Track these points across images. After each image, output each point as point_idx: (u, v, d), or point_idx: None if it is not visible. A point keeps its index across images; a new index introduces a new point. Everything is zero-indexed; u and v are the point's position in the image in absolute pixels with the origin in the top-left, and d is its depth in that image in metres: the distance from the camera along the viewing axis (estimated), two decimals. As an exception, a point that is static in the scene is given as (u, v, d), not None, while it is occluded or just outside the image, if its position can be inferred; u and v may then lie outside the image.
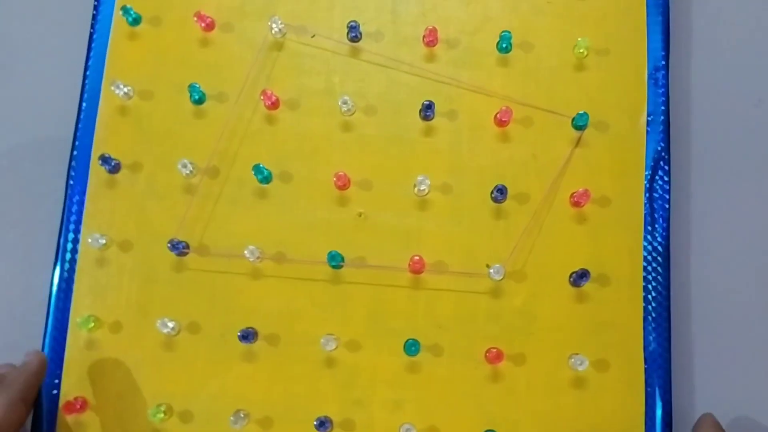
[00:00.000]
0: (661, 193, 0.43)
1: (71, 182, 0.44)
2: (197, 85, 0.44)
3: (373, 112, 0.44)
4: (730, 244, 0.44)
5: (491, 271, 0.41)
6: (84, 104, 0.45)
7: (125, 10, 0.45)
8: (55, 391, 0.42)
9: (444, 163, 0.43)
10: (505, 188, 0.42)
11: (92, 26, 0.46)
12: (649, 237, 0.42)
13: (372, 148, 0.44)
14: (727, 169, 0.45)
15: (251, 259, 0.42)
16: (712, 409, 0.40)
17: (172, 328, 0.42)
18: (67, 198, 0.44)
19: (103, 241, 0.43)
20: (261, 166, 0.43)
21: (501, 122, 0.43)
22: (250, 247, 0.42)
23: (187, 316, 0.42)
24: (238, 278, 0.43)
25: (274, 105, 0.44)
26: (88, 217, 0.44)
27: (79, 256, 0.43)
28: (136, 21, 0.45)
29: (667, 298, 0.41)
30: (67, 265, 0.43)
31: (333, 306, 0.42)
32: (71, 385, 0.42)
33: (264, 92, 0.43)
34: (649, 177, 0.43)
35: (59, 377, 0.42)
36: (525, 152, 0.44)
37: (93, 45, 0.46)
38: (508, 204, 0.43)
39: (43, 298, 0.43)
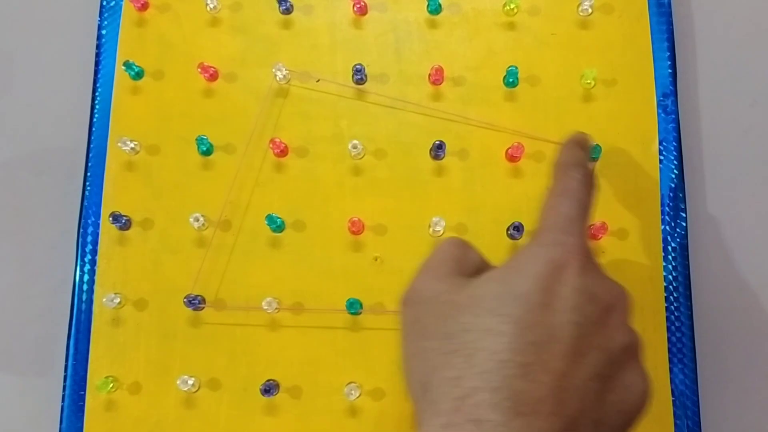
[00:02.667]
0: (677, 220, 0.42)
1: (81, 241, 0.44)
2: (205, 137, 0.43)
3: (383, 154, 0.44)
4: (751, 264, 0.44)
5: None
6: (90, 162, 0.44)
7: (127, 65, 0.45)
8: (77, 457, 0.41)
9: (458, 203, 0.43)
10: (522, 225, 0.41)
11: (94, 82, 0.46)
12: (669, 266, 0.42)
13: (384, 191, 0.44)
14: (744, 189, 0.45)
15: (269, 311, 0.42)
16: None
17: (192, 385, 0.41)
18: (78, 258, 0.43)
19: (118, 300, 0.42)
20: (274, 215, 0.42)
21: (513, 158, 0.43)
22: (268, 298, 0.41)
23: (206, 371, 0.42)
24: (257, 330, 0.42)
25: (283, 153, 0.44)
26: (101, 276, 0.43)
27: (93, 317, 0.43)
28: (138, 75, 0.45)
29: (691, 327, 0.41)
30: (82, 327, 0.42)
31: (354, 353, 0.42)
32: (93, 449, 0.41)
33: (272, 140, 0.43)
34: (665, 205, 0.43)
35: (80, 441, 0.41)
36: (539, 187, 0.43)
37: (96, 102, 0.45)
38: (525, 240, 0.42)
39: (60, 360, 0.42)
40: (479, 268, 0.32)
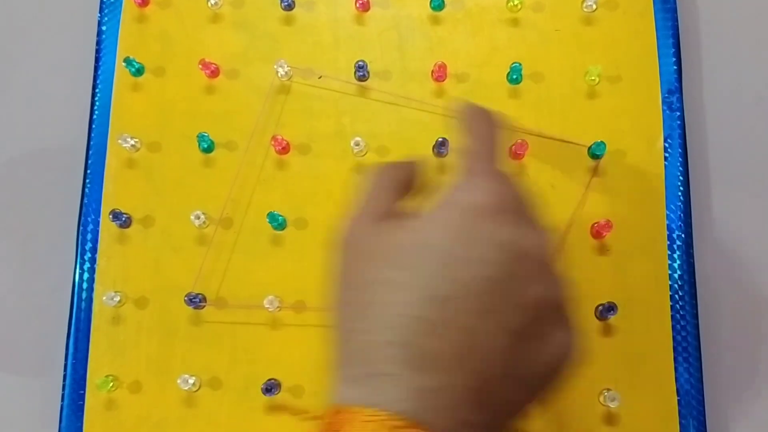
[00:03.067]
0: (683, 218, 0.42)
1: (81, 239, 0.43)
2: (206, 134, 0.43)
3: (386, 152, 0.44)
4: (757, 262, 0.43)
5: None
6: (91, 159, 0.44)
7: (128, 62, 0.44)
8: (77, 457, 0.41)
9: (461, 201, 0.43)
10: (526, 223, 0.41)
11: (95, 79, 0.45)
12: (674, 265, 0.41)
13: (387, 188, 0.43)
14: (750, 187, 0.44)
15: (270, 309, 0.41)
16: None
17: (193, 384, 0.41)
18: (78, 256, 0.43)
19: (118, 299, 0.42)
20: (275, 213, 0.42)
21: (516, 155, 0.43)
22: (269, 297, 0.41)
23: (207, 370, 0.42)
24: (258, 329, 0.42)
25: (285, 150, 0.43)
26: (101, 274, 0.43)
27: (93, 316, 0.42)
28: (139, 71, 0.45)
29: (696, 326, 0.41)
30: (81, 325, 0.42)
31: (357, 352, 0.41)
32: (93, 449, 0.41)
33: (274, 138, 0.43)
34: (669, 202, 0.42)
35: (80, 441, 0.41)
36: (543, 184, 0.43)
37: (96, 98, 0.45)
38: (528, 239, 0.42)
39: (59, 359, 0.42)
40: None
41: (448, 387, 0.24)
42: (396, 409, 0.24)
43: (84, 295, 0.42)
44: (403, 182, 0.32)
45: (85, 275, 0.43)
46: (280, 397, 0.41)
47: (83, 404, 0.41)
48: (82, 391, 0.41)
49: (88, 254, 0.43)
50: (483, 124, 0.31)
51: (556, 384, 0.28)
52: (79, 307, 0.42)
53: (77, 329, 0.42)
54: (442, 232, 0.26)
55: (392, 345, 0.25)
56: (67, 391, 0.41)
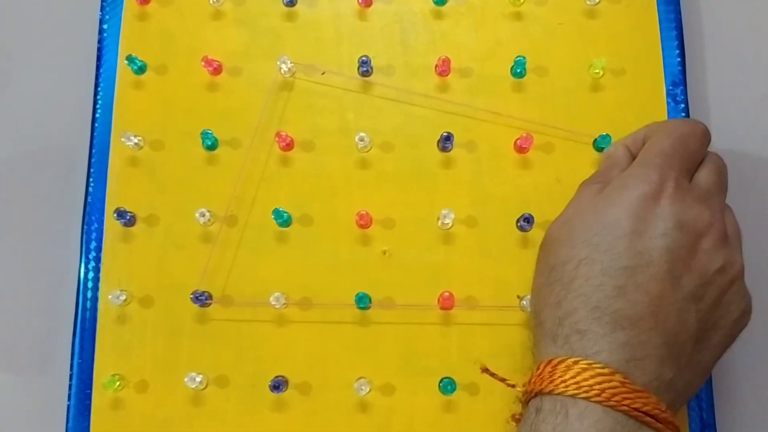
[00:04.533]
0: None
1: (86, 238, 0.43)
2: (210, 132, 0.43)
3: (390, 147, 0.43)
4: (762, 256, 0.43)
5: (523, 302, 0.40)
6: (94, 158, 0.44)
7: (130, 59, 0.44)
8: (84, 457, 0.41)
9: (467, 195, 0.43)
10: (532, 217, 0.41)
11: (97, 77, 0.45)
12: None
13: (392, 184, 0.43)
14: (754, 180, 0.44)
15: (277, 306, 0.41)
16: (757, 430, 0.40)
17: (200, 382, 0.41)
18: (83, 255, 0.43)
19: (124, 297, 0.42)
20: (280, 209, 0.42)
21: (521, 149, 0.43)
22: (275, 293, 0.41)
23: (214, 368, 0.41)
24: (265, 326, 0.42)
25: (289, 146, 0.43)
26: (106, 273, 0.43)
27: (99, 315, 0.42)
28: (141, 69, 0.44)
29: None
30: (87, 324, 0.42)
31: (364, 349, 0.41)
32: (100, 449, 0.41)
33: (278, 134, 0.43)
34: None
35: (87, 441, 0.41)
36: (548, 177, 0.43)
37: (99, 97, 0.45)
38: (535, 232, 0.42)
39: (65, 359, 0.42)
40: None
41: (647, 343, 0.29)
42: (605, 360, 0.29)
43: (89, 294, 0.42)
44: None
45: (90, 274, 0.42)
46: (288, 394, 0.41)
47: (90, 404, 0.41)
48: (88, 391, 0.41)
49: (93, 253, 0.43)
50: (680, 122, 0.37)
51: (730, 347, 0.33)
52: (84, 306, 0.42)
53: (83, 328, 0.42)
54: (620, 210, 0.31)
55: (585, 309, 0.30)
56: (73, 390, 0.41)
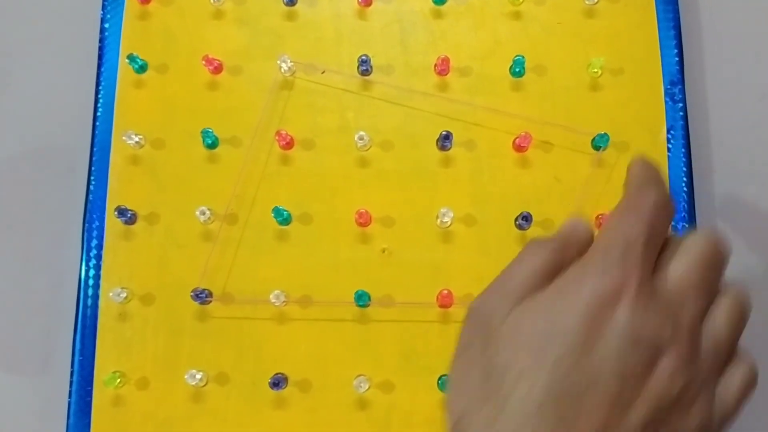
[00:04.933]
0: (686, 209, 0.42)
1: (87, 236, 0.43)
2: (210, 130, 0.43)
3: (389, 146, 0.44)
4: (760, 253, 0.44)
5: (522, 300, 0.40)
6: (95, 156, 0.44)
7: (131, 58, 0.44)
8: (85, 453, 0.41)
9: (466, 194, 0.43)
10: (530, 215, 0.41)
11: (98, 76, 0.45)
12: (678, 255, 0.42)
13: (391, 182, 0.43)
14: (753, 178, 0.45)
15: (276, 304, 0.41)
16: (757, 425, 0.40)
17: (200, 380, 0.41)
18: (84, 252, 0.43)
19: (124, 295, 0.42)
20: (280, 208, 0.42)
21: (520, 148, 0.43)
22: (276, 291, 0.41)
23: (214, 366, 0.42)
24: (265, 324, 0.42)
25: (289, 145, 0.44)
26: (107, 271, 0.43)
27: (100, 312, 0.42)
28: (142, 68, 0.45)
29: (702, 316, 0.41)
30: (88, 322, 0.42)
31: (363, 346, 0.42)
32: (101, 445, 0.41)
33: (278, 133, 0.43)
34: (673, 193, 0.42)
35: (88, 437, 0.41)
36: (547, 176, 0.43)
37: (100, 96, 0.45)
38: (533, 231, 0.42)
39: (66, 356, 0.42)
40: None
41: None
42: None
43: (90, 291, 0.43)
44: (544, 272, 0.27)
45: (91, 272, 0.43)
46: (288, 391, 0.41)
47: (90, 401, 0.41)
48: (89, 388, 0.41)
49: (94, 251, 0.43)
50: (651, 202, 0.27)
51: None
52: (85, 304, 0.42)
53: (84, 326, 0.42)
54: (574, 317, 0.25)
55: None
56: (74, 387, 0.41)
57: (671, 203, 0.27)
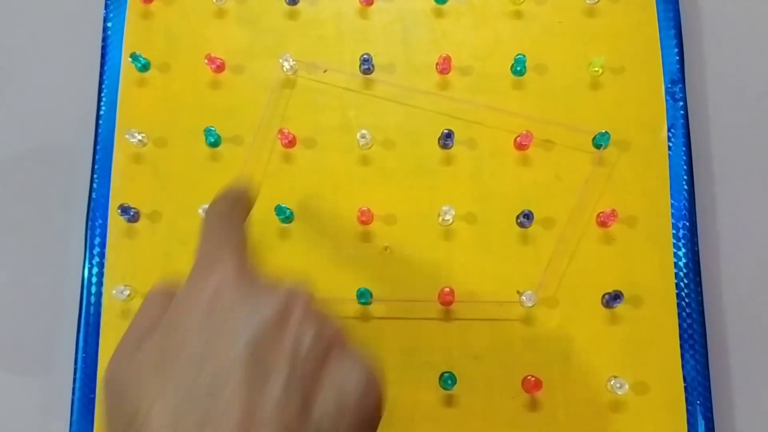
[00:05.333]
0: (687, 207, 0.42)
1: (90, 234, 0.43)
2: (213, 129, 0.43)
3: (391, 144, 0.44)
4: (761, 250, 0.44)
5: (523, 298, 0.41)
6: (98, 155, 0.44)
7: (134, 57, 0.44)
8: None
9: (467, 192, 0.43)
10: (531, 213, 0.41)
11: (101, 75, 0.46)
12: (679, 253, 0.42)
13: (393, 180, 0.43)
14: (753, 175, 0.45)
15: (279, 302, 0.41)
16: (754, 421, 0.40)
17: (203, 377, 0.41)
18: (87, 250, 0.43)
19: (127, 293, 0.42)
20: (283, 206, 0.42)
21: (521, 146, 0.43)
22: (278, 289, 0.41)
23: (217, 363, 0.42)
24: (267, 321, 0.42)
25: (291, 143, 0.44)
26: (110, 269, 0.43)
27: (103, 309, 0.43)
28: (145, 67, 0.45)
29: (702, 314, 0.41)
30: (91, 319, 0.42)
31: (365, 343, 0.42)
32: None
33: (281, 131, 0.43)
34: (674, 191, 0.42)
35: (91, 434, 0.41)
36: (548, 175, 0.43)
37: (103, 94, 0.45)
38: (534, 228, 0.42)
39: (69, 354, 0.42)
40: None
41: None
42: None
43: (93, 289, 0.43)
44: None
45: (94, 269, 0.43)
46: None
47: (94, 398, 0.42)
48: (93, 385, 0.42)
49: (97, 249, 0.43)
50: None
51: None
52: (88, 301, 0.43)
53: (87, 323, 0.42)
54: (191, 327, 0.24)
55: None
56: (77, 385, 0.42)
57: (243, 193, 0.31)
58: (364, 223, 0.43)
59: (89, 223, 0.44)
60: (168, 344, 0.24)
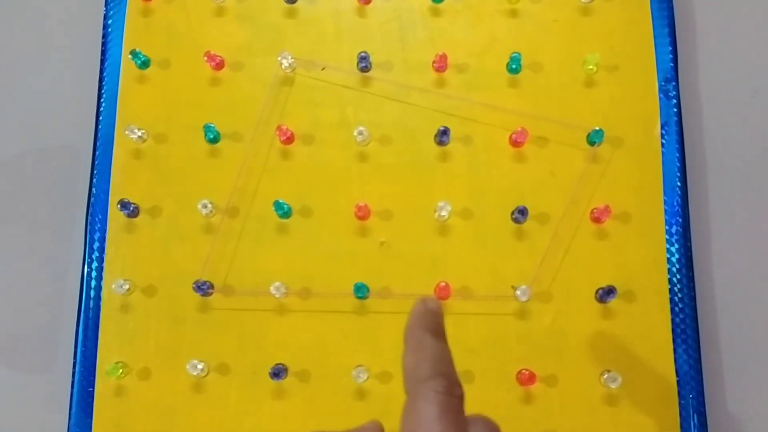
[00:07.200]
0: (680, 203, 0.43)
1: (90, 229, 0.44)
2: (212, 125, 0.44)
3: (388, 141, 0.44)
4: (752, 246, 0.44)
5: (517, 292, 0.41)
6: (98, 150, 0.45)
7: (134, 54, 0.45)
8: (88, 442, 0.41)
9: (463, 188, 0.44)
10: (526, 209, 0.42)
11: (101, 71, 0.46)
12: (672, 249, 0.42)
13: (390, 176, 0.44)
14: (746, 172, 0.45)
15: (277, 296, 0.42)
16: (746, 415, 0.41)
17: (202, 370, 0.42)
18: (87, 245, 0.44)
19: (127, 287, 0.43)
20: (281, 201, 0.43)
21: (516, 143, 0.44)
22: (276, 283, 0.42)
23: (215, 356, 0.42)
24: (265, 315, 0.43)
25: (290, 140, 0.44)
26: (110, 263, 0.44)
27: (102, 303, 0.43)
28: (145, 64, 0.45)
29: (694, 308, 0.42)
30: (91, 313, 0.43)
31: (362, 337, 0.42)
32: (104, 434, 0.42)
33: (279, 128, 0.44)
34: (667, 188, 0.43)
35: (90, 427, 0.42)
36: (543, 171, 0.44)
37: (103, 91, 0.46)
38: (529, 224, 0.43)
39: (69, 347, 0.43)
40: None
41: None
42: None
43: (93, 283, 0.43)
44: None
45: (94, 264, 0.43)
46: (288, 381, 0.42)
47: (93, 390, 0.42)
48: (92, 378, 0.42)
49: (97, 243, 0.44)
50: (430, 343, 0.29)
51: None
52: (88, 295, 0.43)
53: (87, 317, 0.43)
54: None
55: None
56: (77, 377, 0.42)
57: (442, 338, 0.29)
58: (361, 218, 0.43)
59: (89, 218, 0.44)
60: None
